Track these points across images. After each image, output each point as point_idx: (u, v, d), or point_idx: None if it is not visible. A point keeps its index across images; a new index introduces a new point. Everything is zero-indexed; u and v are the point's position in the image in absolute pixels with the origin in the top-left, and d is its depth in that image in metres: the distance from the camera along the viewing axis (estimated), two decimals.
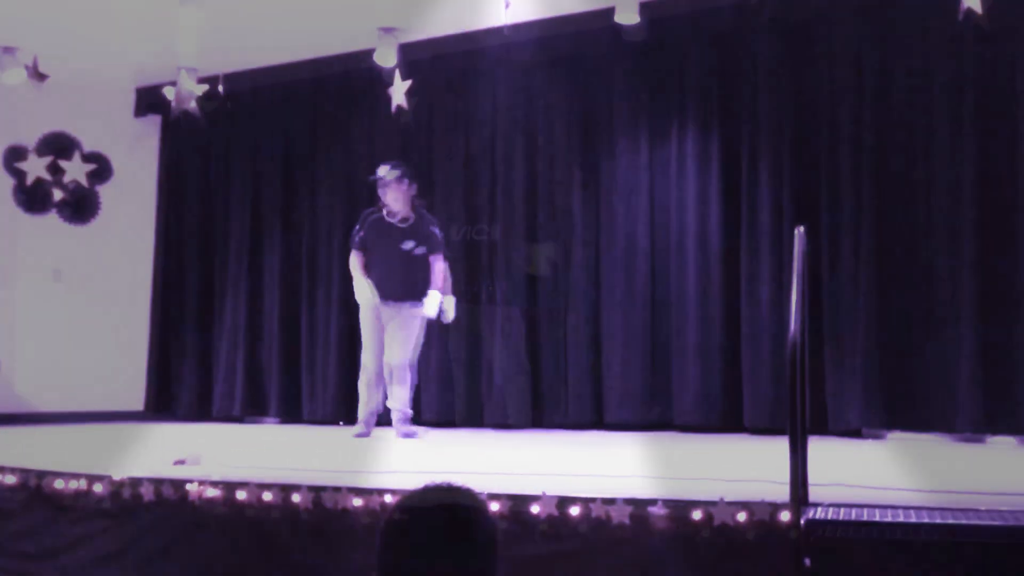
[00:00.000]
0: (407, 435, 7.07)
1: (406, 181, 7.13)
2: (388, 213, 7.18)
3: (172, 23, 7.54)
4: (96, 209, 9.88)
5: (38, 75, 8.44)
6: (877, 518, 3.60)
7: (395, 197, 7.12)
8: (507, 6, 7.02)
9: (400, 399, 7.10)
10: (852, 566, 3.55)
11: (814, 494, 3.82)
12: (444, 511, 2.03)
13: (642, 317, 7.86)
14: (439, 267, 7.13)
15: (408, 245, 7.10)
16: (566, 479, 4.63)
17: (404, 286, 7.08)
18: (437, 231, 7.21)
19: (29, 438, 7.27)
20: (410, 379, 7.13)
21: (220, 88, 8.16)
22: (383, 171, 7.16)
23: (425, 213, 7.29)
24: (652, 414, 7.77)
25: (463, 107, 8.73)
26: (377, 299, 7.08)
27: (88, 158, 9.84)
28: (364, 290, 7.12)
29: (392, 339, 7.07)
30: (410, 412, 7.17)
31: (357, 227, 7.30)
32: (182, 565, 4.74)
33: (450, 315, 7.37)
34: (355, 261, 7.23)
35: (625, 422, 7.75)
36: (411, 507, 2.05)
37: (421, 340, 7.24)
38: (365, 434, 7.19)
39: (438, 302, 7.10)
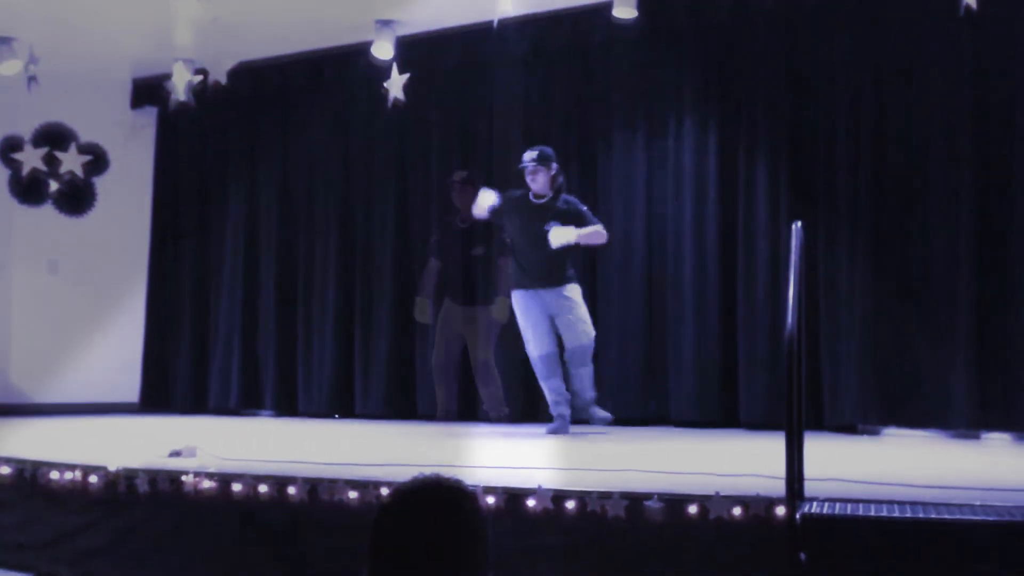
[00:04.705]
0: (598, 419, 6.92)
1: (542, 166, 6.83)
2: (534, 196, 6.93)
3: (169, 14, 7.53)
4: (92, 200, 9.86)
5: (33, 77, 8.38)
6: (872, 513, 3.60)
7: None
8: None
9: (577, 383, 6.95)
10: (847, 561, 3.56)
11: (810, 489, 3.82)
12: (432, 503, 2.04)
13: (638, 312, 7.85)
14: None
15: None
16: (562, 473, 4.63)
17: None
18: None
19: (24, 430, 7.26)
20: (586, 363, 6.90)
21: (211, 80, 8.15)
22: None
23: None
24: (648, 409, 7.77)
25: (460, 100, 8.71)
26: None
27: (84, 149, 9.81)
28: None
29: (564, 325, 6.90)
30: (586, 396, 6.90)
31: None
32: (177, 557, 4.74)
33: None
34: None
35: (621, 417, 7.73)
36: (400, 499, 2.05)
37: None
38: (555, 429, 6.86)
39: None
